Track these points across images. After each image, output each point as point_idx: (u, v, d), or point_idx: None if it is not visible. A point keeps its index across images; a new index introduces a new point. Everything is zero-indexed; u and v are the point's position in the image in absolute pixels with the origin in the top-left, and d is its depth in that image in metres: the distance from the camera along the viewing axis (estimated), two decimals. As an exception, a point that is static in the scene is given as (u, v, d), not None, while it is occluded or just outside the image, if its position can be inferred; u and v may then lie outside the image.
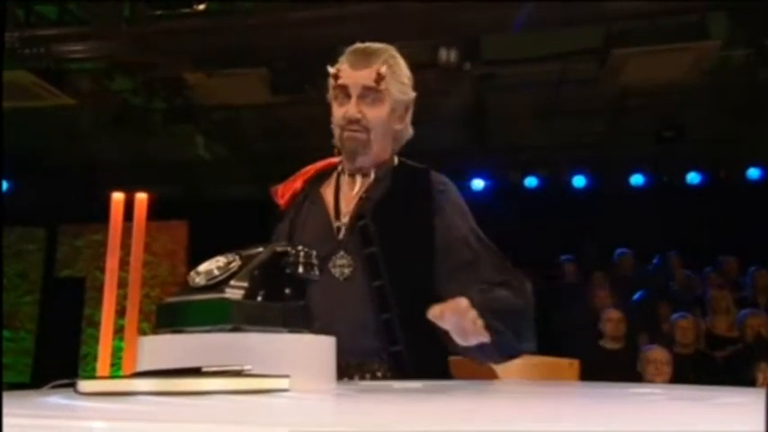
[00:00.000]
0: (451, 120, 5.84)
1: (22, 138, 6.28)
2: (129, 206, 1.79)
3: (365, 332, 1.30)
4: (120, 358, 1.65)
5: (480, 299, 1.19)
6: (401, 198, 1.39)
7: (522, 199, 6.71)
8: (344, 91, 1.37)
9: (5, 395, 0.78)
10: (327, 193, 1.44)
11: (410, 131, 1.50)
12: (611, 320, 4.17)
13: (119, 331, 1.67)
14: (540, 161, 6.64)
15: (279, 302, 1.03)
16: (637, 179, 6.62)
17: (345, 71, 1.38)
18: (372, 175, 1.41)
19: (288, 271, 1.04)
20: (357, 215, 1.37)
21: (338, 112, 1.38)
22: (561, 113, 5.78)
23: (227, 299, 0.95)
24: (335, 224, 1.38)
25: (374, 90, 1.36)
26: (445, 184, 1.45)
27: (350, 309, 1.31)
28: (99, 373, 1.63)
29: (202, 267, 1.05)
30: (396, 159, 1.48)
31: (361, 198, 1.39)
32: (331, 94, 1.41)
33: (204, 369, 0.75)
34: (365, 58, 1.38)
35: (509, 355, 1.30)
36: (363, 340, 1.29)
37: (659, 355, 3.55)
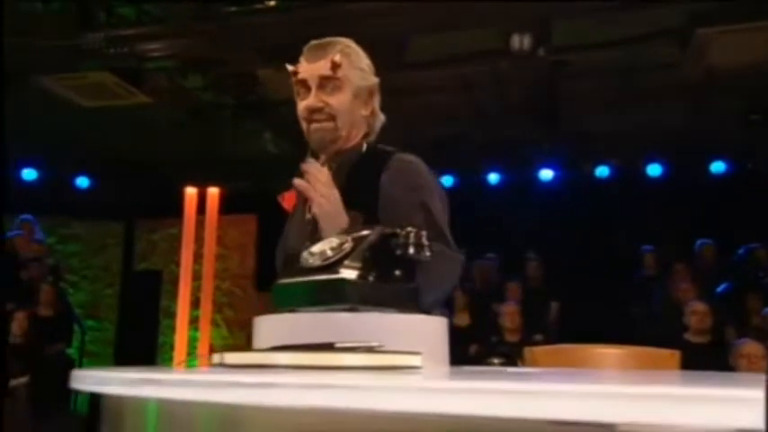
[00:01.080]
0: (521, 108, 5.73)
1: (101, 136, 6.56)
2: (201, 200, 1.84)
3: None
4: (194, 347, 1.69)
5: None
6: (358, 184, 1.38)
7: (594, 189, 6.51)
8: (304, 85, 1.41)
9: (139, 368, 0.80)
10: None
11: (381, 117, 1.50)
12: (697, 313, 3.99)
13: (193, 322, 1.72)
14: (613, 150, 6.41)
15: (390, 283, 1.02)
16: (718, 166, 6.30)
17: (302, 66, 1.41)
18: (335, 166, 1.42)
19: (398, 252, 1.02)
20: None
21: (300, 105, 1.41)
22: (637, 99, 5.57)
23: (344, 279, 0.95)
24: (308, 217, 1.40)
25: (332, 78, 1.39)
26: (401, 162, 1.43)
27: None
28: (175, 361, 1.68)
29: (316, 248, 1.05)
30: (364, 146, 1.47)
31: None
32: (294, 92, 1.44)
33: (337, 345, 0.74)
34: (320, 50, 1.42)
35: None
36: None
37: (753, 349, 3.37)
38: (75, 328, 5.43)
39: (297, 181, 1.26)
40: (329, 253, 1.03)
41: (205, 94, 5.90)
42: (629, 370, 1.70)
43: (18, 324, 4.66)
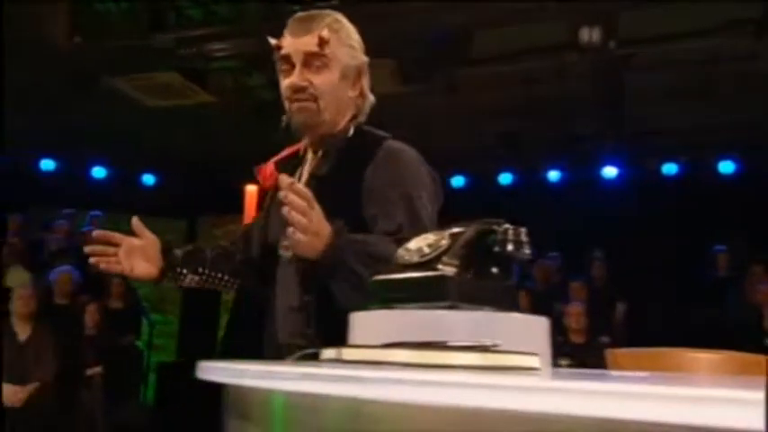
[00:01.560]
0: (584, 104, 5.59)
1: (166, 135, 6.76)
2: (261, 198, 1.87)
3: (292, 314, 1.29)
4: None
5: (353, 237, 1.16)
6: (344, 172, 1.29)
7: (661, 187, 6.29)
8: (288, 61, 1.30)
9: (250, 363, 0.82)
10: (295, 175, 1.38)
11: (370, 99, 1.39)
12: (778, 317, 3.79)
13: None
14: (682, 146, 6.18)
15: (488, 281, 1.00)
16: (795, 163, 5.98)
17: (286, 40, 1.30)
18: (321, 151, 1.34)
19: (496, 249, 1.00)
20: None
21: (283, 84, 1.30)
22: (708, 93, 5.34)
23: (444, 276, 0.93)
24: None
25: (318, 55, 1.28)
26: (390, 151, 1.31)
27: (285, 290, 1.31)
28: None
29: (412, 245, 1.04)
30: (351, 130, 1.36)
31: (309, 176, 1.34)
32: (277, 67, 1.34)
33: (450, 343, 0.73)
34: (306, 23, 1.30)
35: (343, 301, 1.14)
36: (290, 322, 1.29)
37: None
38: (143, 320, 5.63)
39: (284, 209, 1.09)
40: (426, 249, 1.01)
41: (267, 93, 6.00)
42: (721, 375, 1.62)
43: (90, 316, 4.86)
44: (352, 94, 1.34)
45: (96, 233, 1.37)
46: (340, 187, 1.26)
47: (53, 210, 6.82)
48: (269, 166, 1.44)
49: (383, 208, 1.26)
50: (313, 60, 1.27)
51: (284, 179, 1.11)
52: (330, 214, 1.16)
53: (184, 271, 1.41)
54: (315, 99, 1.28)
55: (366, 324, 1.04)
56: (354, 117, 1.37)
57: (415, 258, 1.00)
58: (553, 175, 6.68)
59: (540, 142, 6.10)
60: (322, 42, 1.27)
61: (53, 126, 6.42)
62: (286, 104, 1.31)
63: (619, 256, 5.70)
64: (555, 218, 6.01)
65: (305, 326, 1.25)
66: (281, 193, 1.10)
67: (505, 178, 6.73)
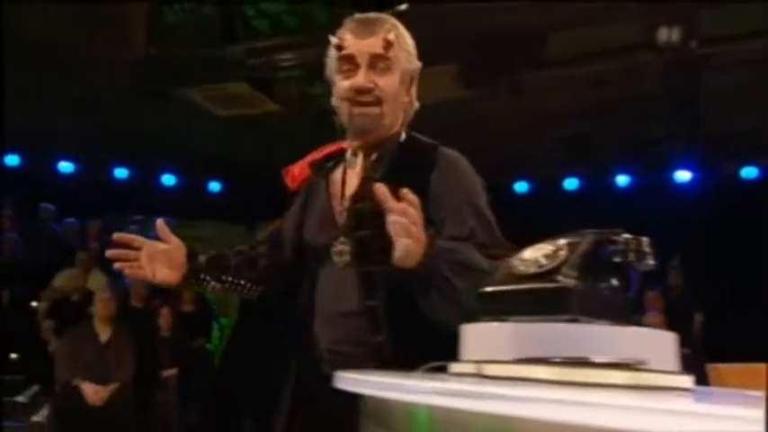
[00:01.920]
0: (656, 105, 5.40)
1: (234, 143, 6.93)
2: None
3: (354, 320, 1.24)
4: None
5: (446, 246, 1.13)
6: (402, 176, 1.24)
7: (739, 191, 6.00)
8: (351, 61, 1.28)
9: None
10: (336, 176, 1.36)
11: (416, 105, 1.39)
12: None
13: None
14: (763, 149, 5.88)
15: (608, 293, 0.96)
16: None
17: (350, 40, 1.28)
18: (376, 154, 1.31)
19: (617, 260, 0.96)
20: (358, 197, 1.28)
21: (344, 84, 1.28)
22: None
23: (566, 288, 0.90)
24: (339, 208, 1.31)
25: (383, 58, 1.27)
26: (449, 158, 1.32)
27: (344, 296, 1.26)
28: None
29: (526, 255, 1.01)
30: (403, 134, 1.36)
31: (363, 178, 1.30)
32: (334, 66, 1.31)
33: (594, 360, 0.70)
34: (369, 26, 1.29)
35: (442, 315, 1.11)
36: (351, 328, 1.25)
37: None
38: (213, 324, 5.77)
39: (394, 218, 1.06)
40: (543, 260, 0.98)
41: (327, 101, 6.06)
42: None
43: (164, 319, 5.01)
44: (406, 98, 1.35)
45: (117, 236, 1.33)
46: (409, 185, 1.23)
47: (125, 216, 7.09)
48: (298, 167, 1.45)
49: (452, 213, 1.25)
50: (378, 62, 1.27)
51: (381, 189, 1.09)
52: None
53: (207, 278, 1.39)
54: (378, 102, 1.27)
55: (478, 336, 1.01)
56: (404, 122, 1.38)
57: (532, 269, 0.97)
58: (622, 179, 6.48)
59: (610, 145, 5.93)
60: (388, 45, 1.27)
61: (127, 135, 6.67)
62: (344, 106, 1.29)
63: (695, 264, 5.47)
64: (624, 224, 5.80)
65: (368, 332, 1.22)
66: (390, 204, 1.07)
67: (571, 183, 6.57)
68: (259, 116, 6.11)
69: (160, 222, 1.33)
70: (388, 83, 1.28)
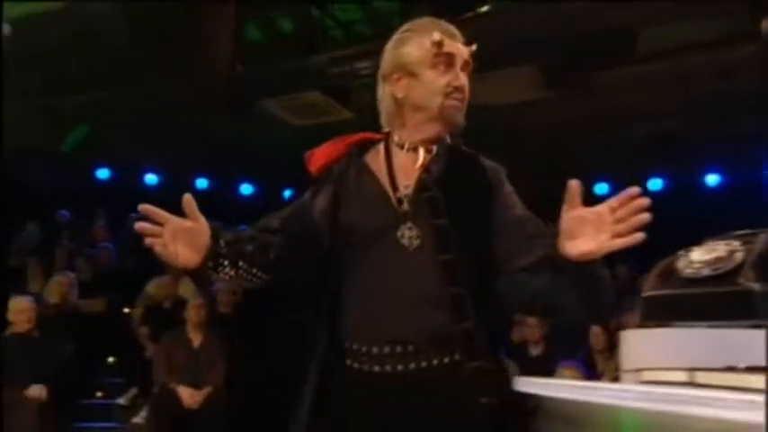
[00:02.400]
0: (747, 102, 5.13)
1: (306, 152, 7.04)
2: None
3: (435, 306, 1.23)
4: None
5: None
6: (459, 175, 1.33)
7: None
8: (449, 59, 1.32)
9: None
10: (376, 164, 1.36)
11: None
12: None
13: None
14: None
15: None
16: None
17: (449, 41, 1.33)
18: (434, 150, 1.35)
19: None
20: (421, 186, 1.31)
21: (442, 80, 1.32)
22: None
23: (751, 291, 0.85)
24: (395, 195, 1.31)
25: (469, 65, 1.36)
26: (498, 167, 1.40)
27: (418, 280, 1.24)
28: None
29: (695, 256, 0.97)
30: (447, 138, 1.40)
31: (423, 171, 1.32)
32: (426, 61, 1.32)
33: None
34: (456, 33, 1.36)
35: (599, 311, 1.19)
36: (433, 314, 1.23)
37: None
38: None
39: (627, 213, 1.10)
40: (717, 263, 0.93)
41: None
42: None
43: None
44: None
45: (142, 207, 1.23)
46: (462, 190, 1.31)
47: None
48: (322, 152, 1.43)
49: (526, 211, 1.33)
50: (466, 68, 1.35)
51: (574, 185, 1.11)
52: (461, 211, 1.26)
53: (225, 263, 1.26)
54: (464, 103, 1.34)
55: (645, 342, 0.98)
56: None
57: (706, 272, 0.93)
58: (711, 179, 6.19)
59: (697, 143, 5.68)
60: (472, 55, 1.36)
61: (208, 146, 6.90)
62: (437, 99, 1.31)
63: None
64: (713, 226, 5.53)
65: (457, 319, 1.21)
66: (614, 201, 1.09)
67: (655, 184, 6.32)
68: (334, 124, 6.20)
69: (188, 197, 1.23)
70: (468, 88, 1.36)
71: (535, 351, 4.24)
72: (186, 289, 5.12)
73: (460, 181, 1.32)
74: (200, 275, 1.26)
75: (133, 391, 4.65)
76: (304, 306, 1.37)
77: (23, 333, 4.05)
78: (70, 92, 5.63)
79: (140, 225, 1.21)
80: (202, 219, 1.24)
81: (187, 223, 1.23)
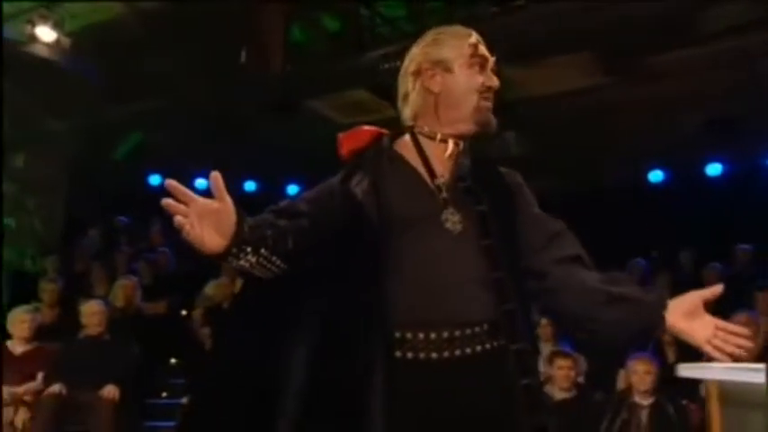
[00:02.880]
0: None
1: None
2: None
3: (483, 289, 1.26)
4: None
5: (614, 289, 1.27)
6: (484, 169, 1.40)
7: None
8: (483, 62, 1.39)
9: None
10: (407, 153, 1.39)
11: None
12: None
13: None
14: None
15: None
16: None
17: (482, 45, 1.40)
18: (462, 145, 1.39)
19: None
20: (457, 176, 1.36)
21: (478, 80, 1.38)
22: None
23: None
24: (433, 182, 1.34)
25: (495, 71, 1.41)
26: (515, 173, 1.46)
27: (465, 264, 1.27)
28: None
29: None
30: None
31: (455, 162, 1.37)
32: (463, 61, 1.38)
33: None
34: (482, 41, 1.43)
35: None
36: (484, 297, 1.25)
37: None
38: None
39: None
40: None
41: None
42: None
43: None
44: None
45: (169, 183, 1.15)
46: (491, 182, 1.38)
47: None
48: (353, 137, 1.46)
49: (558, 225, 1.38)
50: (492, 71, 1.41)
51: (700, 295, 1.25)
52: (495, 201, 1.33)
53: (248, 249, 1.17)
54: (492, 102, 1.40)
55: None
56: None
57: None
58: (773, 163, 5.97)
59: (758, 126, 5.47)
60: (495, 63, 1.43)
61: (255, 149, 6.98)
62: (473, 98, 1.36)
63: None
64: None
65: (500, 301, 1.25)
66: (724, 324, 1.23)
67: (714, 169, 6.13)
68: (380, 122, 6.18)
69: (215, 174, 1.15)
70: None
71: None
72: (243, 290, 5.19)
73: (487, 174, 1.39)
74: (222, 260, 1.19)
75: (197, 390, 4.73)
76: (341, 297, 1.28)
77: (95, 336, 4.16)
78: (123, 101, 5.78)
79: (167, 202, 1.13)
80: (228, 198, 1.15)
81: (214, 204, 1.14)
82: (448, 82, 1.35)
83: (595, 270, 1.32)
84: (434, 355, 1.21)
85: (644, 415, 3.10)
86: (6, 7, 4.97)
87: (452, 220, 1.29)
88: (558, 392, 3.47)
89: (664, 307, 1.23)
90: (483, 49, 1.38)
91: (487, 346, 1.23)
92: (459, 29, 1.42)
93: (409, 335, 1.22)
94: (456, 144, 1.36)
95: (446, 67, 1.36)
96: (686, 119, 5.53)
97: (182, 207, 1.14)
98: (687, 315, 1.22)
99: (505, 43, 4.80)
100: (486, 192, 1.33)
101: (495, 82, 1.38)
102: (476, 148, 1.44)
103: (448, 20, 4.81)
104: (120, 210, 7.06)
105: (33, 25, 4.55)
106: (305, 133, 6.45)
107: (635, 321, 1.24)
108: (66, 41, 4.63)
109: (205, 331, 5.00)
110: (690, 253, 5.52)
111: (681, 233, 5.68)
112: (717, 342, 1.20)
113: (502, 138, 6.50)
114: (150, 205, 6.74)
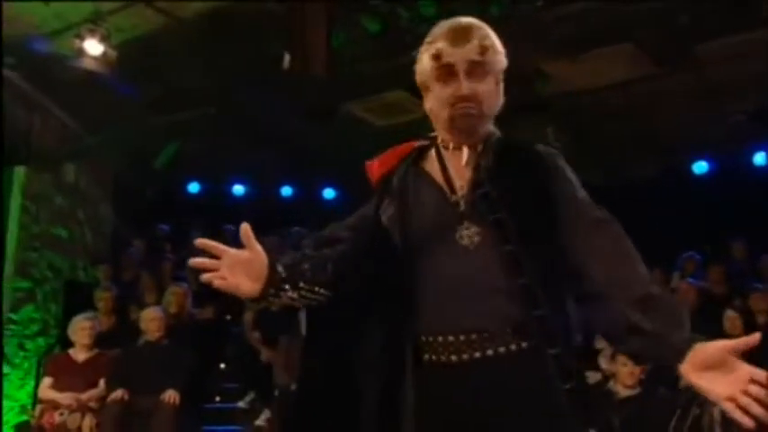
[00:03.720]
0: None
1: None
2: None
3: (504, 297, 1.24)
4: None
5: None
6: (513, 166, 1.33)
7: None
8: (449, 70, 1.30)
9: None
10: (431, 168, 1.38)
11: (501, 101, 1.40)
12: None
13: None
14: None
15: None
16: None
17: (446, 50, 1.31)
18: (480, 146, 1.35)
19: None
20: (474, 184, 1.32)
21: (445, 92, 1.31)
22: None
23: None
24: (452, 197, 1.33)
25: (481, 64, 1.30)
26: (556, 154, 1.38)
27: (484, 274, 1.26)
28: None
29: None
30: (497, 131, 1.40)
31: (474, 167, 1.34)
32: (430, 74, 1.34)
33: None
34: (465, 32, 1.32)
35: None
36: (504, 302, 1.24)
37: None
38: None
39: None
40: None
41: None
42: None
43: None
44: (500, 99, 1.39)
45: (199, 242, 1.24)
46: (517, 181, 1.31)
47: (286, 232, 7.46)
48: (378, 163, 1.47)
49: (602, 213, 1.31)
50: (476, 68, 1.31)
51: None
52: (518, 202, 1.28)
53: (287, 286, 1.27)
54: (479, 106, 1.32)
55: None
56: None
57: None
58: (824, 149, 5.83)
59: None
60: (484, 50, 1.31)
61: (292, 154, 7.03)
62: (444, 112, 1.32)
63: None
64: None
65: (529, 308, 1.22)
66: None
67: (761, 158, 6.01)
68: (417, 121, 6.17)
69: (245, 227, 1.24)
70: (486, 88, 1.32)
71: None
72: (291, 293, 5.22)
73: (513, 172, 1.32)
74: (261, 303, 1.28)
75: (251, 394, 4.78)
76: (376, 311, 1.36)
77: (154, 341, 4.23)
78: (164, 111, 5.87)
79: (196, 262, 1.24)
80: (258, 247, 1.26)
81: (244, 254, 1.24)
82: (429, 99, 1.37)
83: (639, 263, 1.25)
84: (454, 357, 1.25)
85: (716, 411, 3.04)
86: (54, 23, 5.11)
87: (467, 234, 1.28)
88: (621, 390, 3.43)
89: (681, 353, 1.12)
90: (448, 55, 1.30)
91: (512, 347, 1.23)
92: (436, 31, 1.36)
93: (431, 338, 1.27)
94: (472, 148, 1.34)
95: (425, 87, 1.37)
96: (733, 108, 5.43)
97: (210, 263, 1.23)
98: (707, 367, 1.10)
99: (550, 38, 4.81)
100: (511, 191, 1.30)
101: (463, 90, 1.29)
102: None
103: (483, 16, 4.83)
104: (161, 218, 7.17)
105: (82, 39, 4.64)
106: (341, 136, 6.47)
107: (651, 358, 1.25)
108: (113, 54, 4.71)
109: (255, 335, 5.05)
110: (741, 244, 5.42)
111: (730, 224, 5.58)
112: (743, 401, 1.05)
113: (542, 133, 6.48)
114: (189, 212, 6.85)
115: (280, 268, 1.26)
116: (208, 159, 7.17)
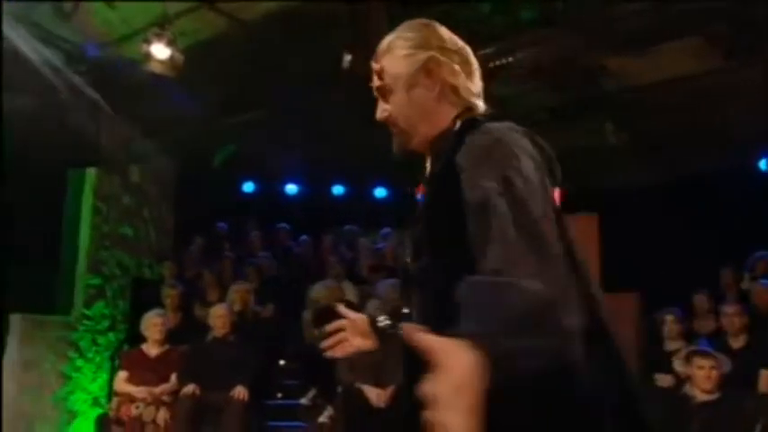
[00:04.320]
0: None
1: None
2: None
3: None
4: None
5: None
6: (448, 167, 1.14)
7: None
8: (377, 92, 1.33)
9: None
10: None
11: (467, 86, 1.25)
12: None
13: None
14: None
15: None
16: None
17: (375, 71, 1.31)
18: (433, 153, 1.27)
19: None
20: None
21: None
22: None
23: None
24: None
25: (380, 88, 1.30)
26: (480, 132, 1.12)
27: (416, 295, 1.27)
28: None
29: None
30: (457, 125, 1.23)
31: (429, 177, 1.28)
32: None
33: None
34: (374, 57, 1.32)
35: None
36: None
37: None
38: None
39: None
40: None
41: (521, 102, 5.89)
42: None
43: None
44: (431, 93, 1.25)
45: (340, 309, 1.52)
46: (441, 186, 1.17)
47: (338, 229, 7.51)
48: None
49: (483, 222, 1.05)
50: (381, 92, 1.30)
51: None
52: (434, 213, 1.17)
53: (395, 331, 1.46)
54: (396, 125, 1.29)
55: None
56: (468, 109, 1.26)
57: None
58: None
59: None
60: (380, 75, 1.29)
61: (343, 153, 7.08)
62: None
63: None
64: None
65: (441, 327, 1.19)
66: None
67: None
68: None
69: (342, 307, 1.53)
70: (395, 105, 1.28)
71: (736, 343, 3.94)
72: (348, 292, 5.27)
73: (445, 174, 1.15)
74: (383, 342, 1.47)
75: (313, 391, 4.83)
76: None
77: (221, 337, 4.33)
78: (226, 113, 5.99)
79: (332, 342, 1.48)
80: (353, 315, 1.51)
81: (345, 323, 1.49)
82: None
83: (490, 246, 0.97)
84: None
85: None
86: (121, 29, 5.27)
87: (408, 259, 1.28)
88: (699, 394, 3.33)
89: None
90: (375, 78, 1.30)
91: None
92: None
93: None
94: (429, 157, 1.28)
95: None
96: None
97: (342, 335, 1.47)
98: None
99: (617, 33, 4.73)
100: (431, 202, 1.21)
101: (377, 116, 1.31)
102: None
103: (540, 14, 4.76)
104: (219, 216, 7.33)
105: (149, 44, 4.77)
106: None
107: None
108: (180, 58, 4.82)
109: (316, 333, 5.10)
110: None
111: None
112: None
113: (601, 128, 6.35)
114: (245, 211, 6.98)
115: (381, 319, 1.48)
116: (261, 159, 7.29)
